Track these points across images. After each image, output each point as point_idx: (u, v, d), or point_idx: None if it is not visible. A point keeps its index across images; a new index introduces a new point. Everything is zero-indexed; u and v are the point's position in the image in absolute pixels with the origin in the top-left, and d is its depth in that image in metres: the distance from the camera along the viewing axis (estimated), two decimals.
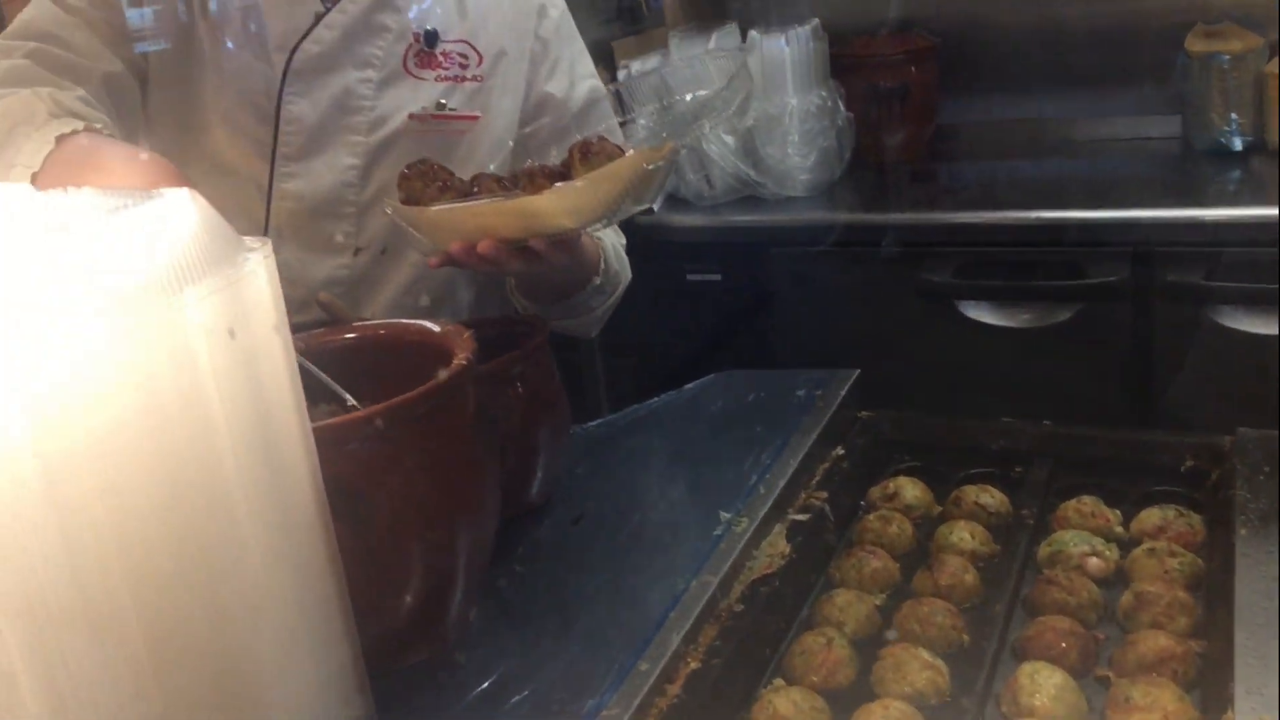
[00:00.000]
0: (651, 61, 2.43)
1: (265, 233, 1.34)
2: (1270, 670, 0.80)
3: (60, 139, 1.05)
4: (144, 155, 1.04)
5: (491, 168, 1.29)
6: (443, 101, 1.32)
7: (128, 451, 0.60)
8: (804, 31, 2.39)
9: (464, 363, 0.92)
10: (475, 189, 1.13)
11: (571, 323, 1.38)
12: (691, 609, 0.95)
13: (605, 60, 2.41)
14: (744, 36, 2.46)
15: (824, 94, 2.42)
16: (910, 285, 2.23)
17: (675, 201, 2.51)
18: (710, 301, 2.43)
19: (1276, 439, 1.13)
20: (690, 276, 2.46)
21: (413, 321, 1.04)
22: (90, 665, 0.62)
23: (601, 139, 1.12)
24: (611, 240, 1.38)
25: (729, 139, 2.39)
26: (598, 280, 1.33)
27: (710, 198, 2.46)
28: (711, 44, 2.40)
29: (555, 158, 1.17)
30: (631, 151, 1.10)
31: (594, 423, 1.35)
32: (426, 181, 1.13)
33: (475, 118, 1.33)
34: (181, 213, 0.66)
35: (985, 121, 2.69)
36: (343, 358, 1.03)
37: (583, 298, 1.33)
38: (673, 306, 2.44)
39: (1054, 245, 2.14)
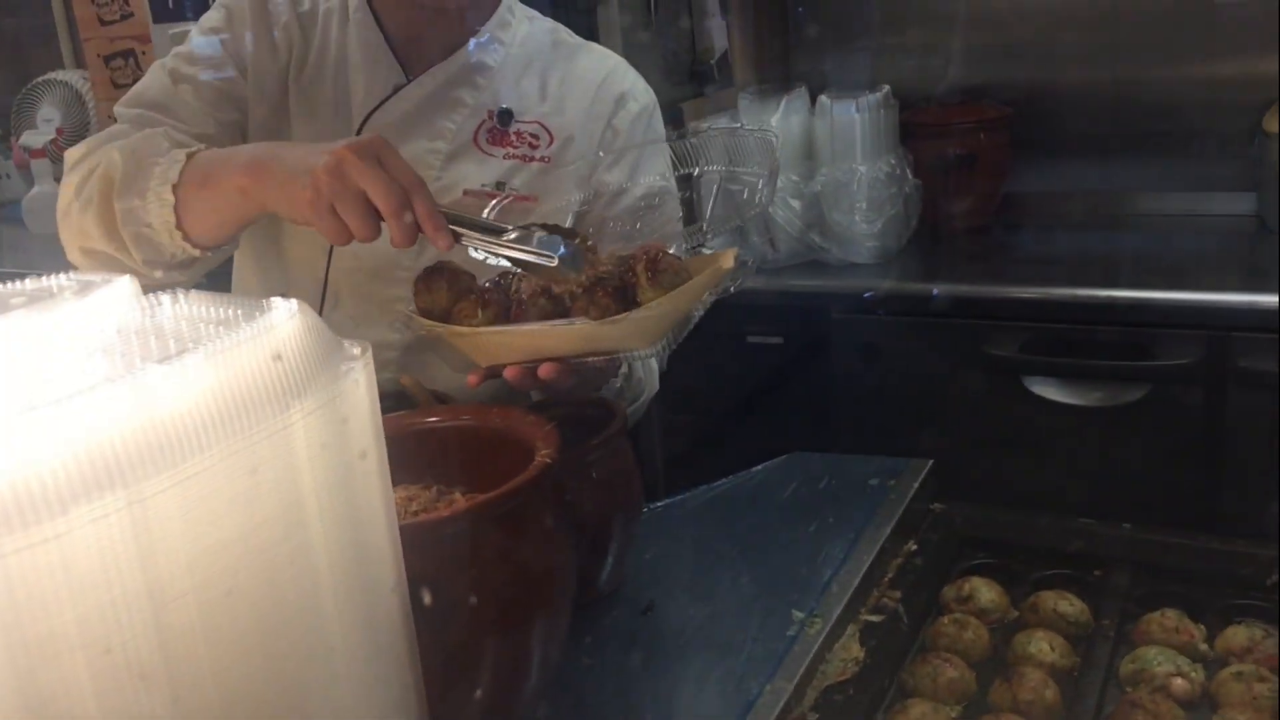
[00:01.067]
0: (720, 122, 2.44)
1: (324, 291, 1.36)
2: None
3: (190, 154, 1.13)
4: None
5: None
6: (502, 181, 1.33)
7: (230, 574, 0.60)
8: (874, 98, 2.39)
9: (547, 460, 0.92)
10: (517, 301, 1.07)
11: None
12: (766, 717, 0.94)
13: (675, 120, 2.42)
14: (813, 100, 2.46)
15: (893, 161, 2.42)
16: (975, 358, 2.21)
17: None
18: (770, 364, 2.43)
19: None
20: (750, 339, 2.46)
21: (495, 408, 1.04)
22: None
23: (664, 253, 1.05)
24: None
25: (795, 203, 2.39)
26: (617, 383, 1.32)
27: (774, 261, 2.46)
28: (781, 108, 2.40)
29: (597, 248, 1.11)
30: (703, 270, 1.06)
31: (660, 504, 1.34)
32: (456, 294, 1.07)
33: (532, 199, 1.33)
34: (289, 324, 0.67)
35: (1054, 192, 2.67)
36: (424, 442, 1.03)
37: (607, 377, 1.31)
38: (732, 367, 2.43)
39: (1123, 325, 2.11)
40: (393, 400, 1.16)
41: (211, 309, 0.68)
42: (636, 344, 1.04)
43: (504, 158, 1.33)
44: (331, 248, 1.31)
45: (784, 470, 1.39)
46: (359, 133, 1.29)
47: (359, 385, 0.72)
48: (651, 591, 1.17)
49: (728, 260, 1.08)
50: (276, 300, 0.69)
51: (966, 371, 2.23)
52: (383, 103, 1.31)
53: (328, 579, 0.69)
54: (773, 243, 2.45)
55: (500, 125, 1.34)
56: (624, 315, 1.02)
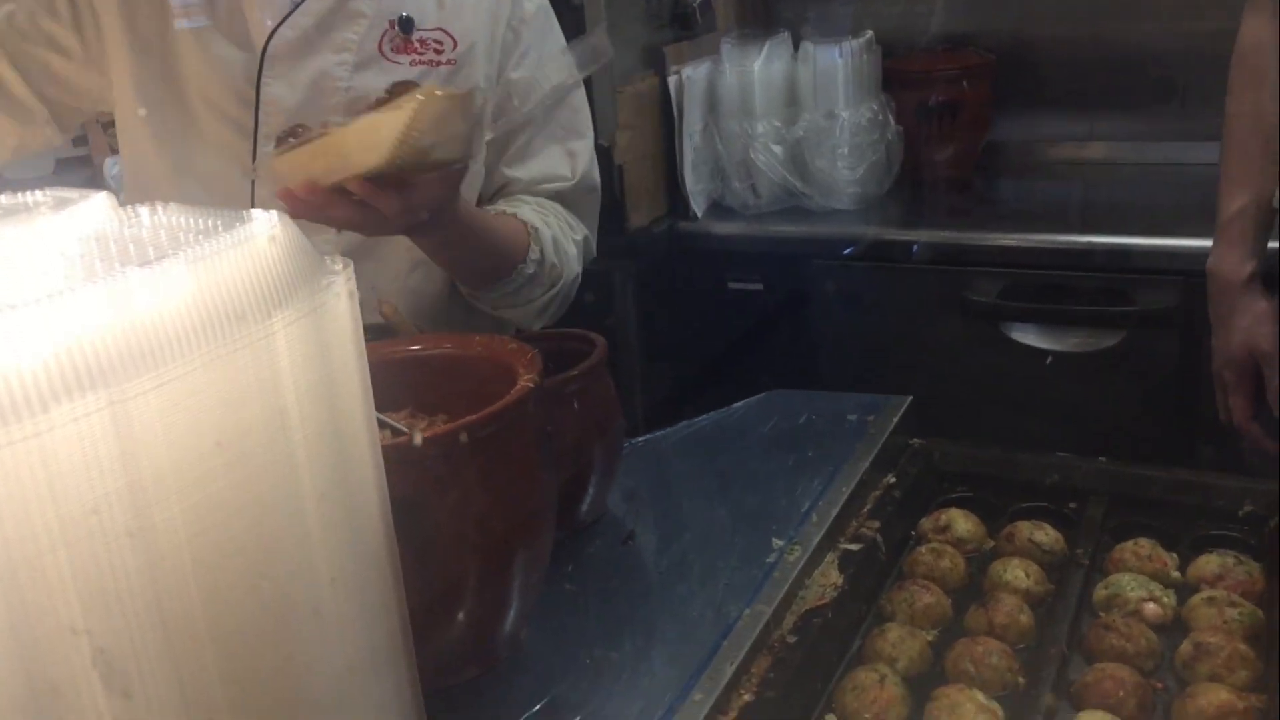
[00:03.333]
0: (703, 68, 2.42)
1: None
2: None
3: None
4: None
5: None
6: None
7: (213, 478, 0.60)
8: (857, 44, 2.38)
9: (530, 384, 0.92)
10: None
11: (512, 312, 1.40)
12: (745, 639, 0.95)
13: (656, 65, 2.40)
14: (796, 45, 2.45)
15: (875, 107, 2.41)
16: (954, 304, 2.22)
17: (719, 209, 2.51)
18: (751, 310, 2.43)
19: None
20: (732, 285, 2.46)
21: (478, 336, 1.04)
22: (165, 686, 0.62)
23: (411, 82, 1.12)
24: (553, 234, 1.39)
25: (777, 149, 2.38)
26: (529, 269, 1.34)
27: (755, 207, 2.45)
28: (764, 52, 2.39)
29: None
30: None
31: (642, 438, 1.34)
32: (293, 136, 1.12)
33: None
34: (271, 235, 0.66)
35: (1035, 140, 2.67)
36: (406, 370, 1.03)
37: (515, 285, 1.34)
38: (713, 314, 2.44)
39: (1101, 270, 2.12)
40: (374, 332, 1.16)
41: (191, 219, 0.68)
42: (370, 158, 1.03)
43: (410, 64, 1.34)
44: (254, 168, 1.31)
45: (764, 407, 1.39)
46: (264, 53, 1.28)
47: (340, 299, 0.72)
48: (632, 522, 1.18)
49: (452, 91, 1.07)
50: (257, 211, 0.68)
51: (946, 317, 2.24)
52: (283, 21, 1.29)
53: (311, 492, 0.69)
54: (754, 188, 2.44)
55: (403, 33, 1.34)
56: (351, 120, 1.06)
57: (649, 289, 2.46)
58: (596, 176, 1.51)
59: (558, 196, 1.46)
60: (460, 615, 0.92)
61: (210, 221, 0.67)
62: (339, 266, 0.73)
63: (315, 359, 0.69)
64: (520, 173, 1.44)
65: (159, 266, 0.59)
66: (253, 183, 1.33)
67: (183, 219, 0.68)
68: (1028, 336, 2.18)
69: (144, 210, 0.69)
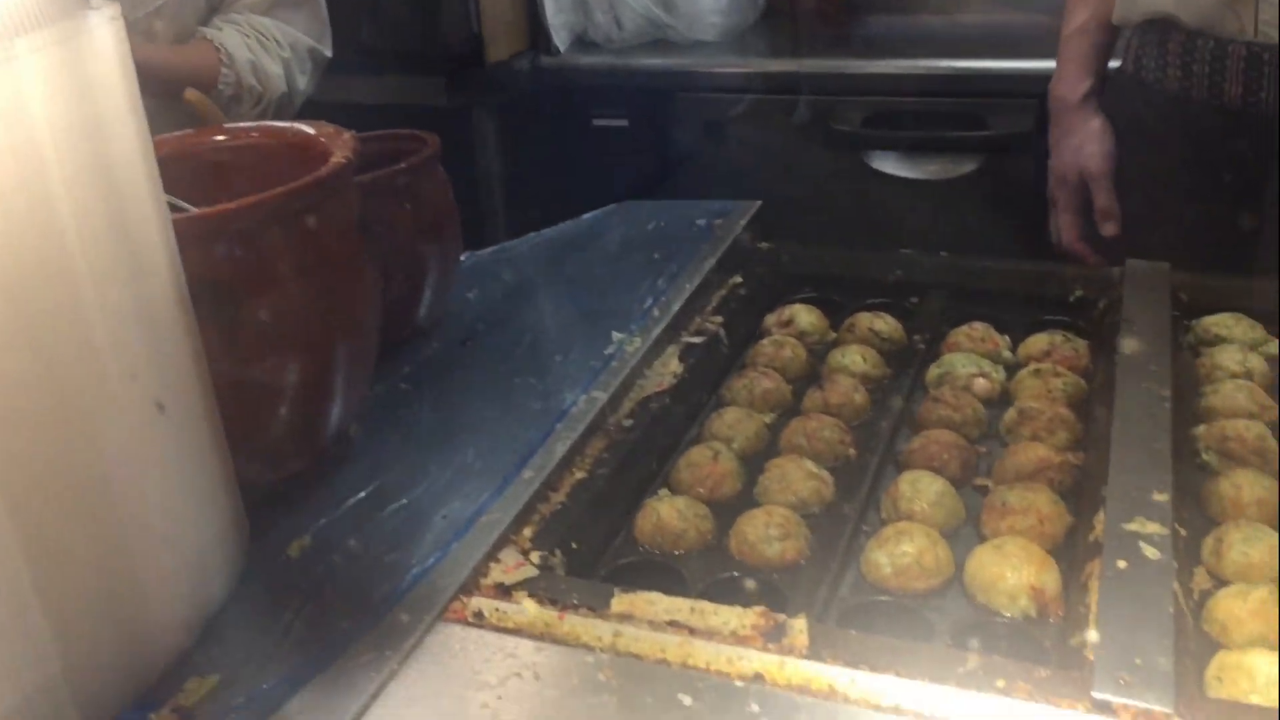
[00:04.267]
0: None
1: None
2: (1141, 476, 0.82)
3: None
4: None
5: None
6: None
7: None
8: None
9: (342, 161, 0.87)
10: None
11: None
12: (579, 423, 0.94)
13: None
14: None
15: None
16: (818, 135, 2.21)
17: (583, 43, 2.43)
18: (616, 146, 2.38)
19: (1166, 270, 1.15)
20: (596, 121, 2.40)
21: (289, 124, 0.98)
22: None
23: None
24: (252, 57, 1.44)
25: None
26: (226, 92, 1.41)
27: (619, 40, 2.38)
28: None
29: None
30: None
31: (489, 249, 1.31)
32: None
33: None
34: None
35: None
36: (213, 162, 0.97)
37: (219, 105, 1.35)
38: (577, 150, 2.38)
39: (959, 96, 2.13)
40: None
41: None
42: None
43: None
44: None
45: (613, 216, 1.37)
46: None
47: (106, 40, 0.66)
48: (473, 326, 1.15)
49: None
50: None
51: (810, 149, 2.23)
52: None
53: (79, 250, 0.63)
54: (618, 20, 2.37)
55: None
56: None
57: (510, 127, 2.39)
58: None
59: (271, 11, 1.49)
60: (280, 409, 0.88)
61: None
62: (103, 4, 0.66)
63: (75, 101, 0.63)
64: None
65: None
66: None
67: None
68: (889, 165, 2.19)
69: None
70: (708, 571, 0.85)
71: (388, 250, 1.05)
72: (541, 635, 0.73)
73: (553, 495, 0.87)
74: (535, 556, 0.80)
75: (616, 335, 1.07)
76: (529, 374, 1.03)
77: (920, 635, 0.78)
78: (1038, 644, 0.76)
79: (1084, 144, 1.49)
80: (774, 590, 0.82)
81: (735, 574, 0.84)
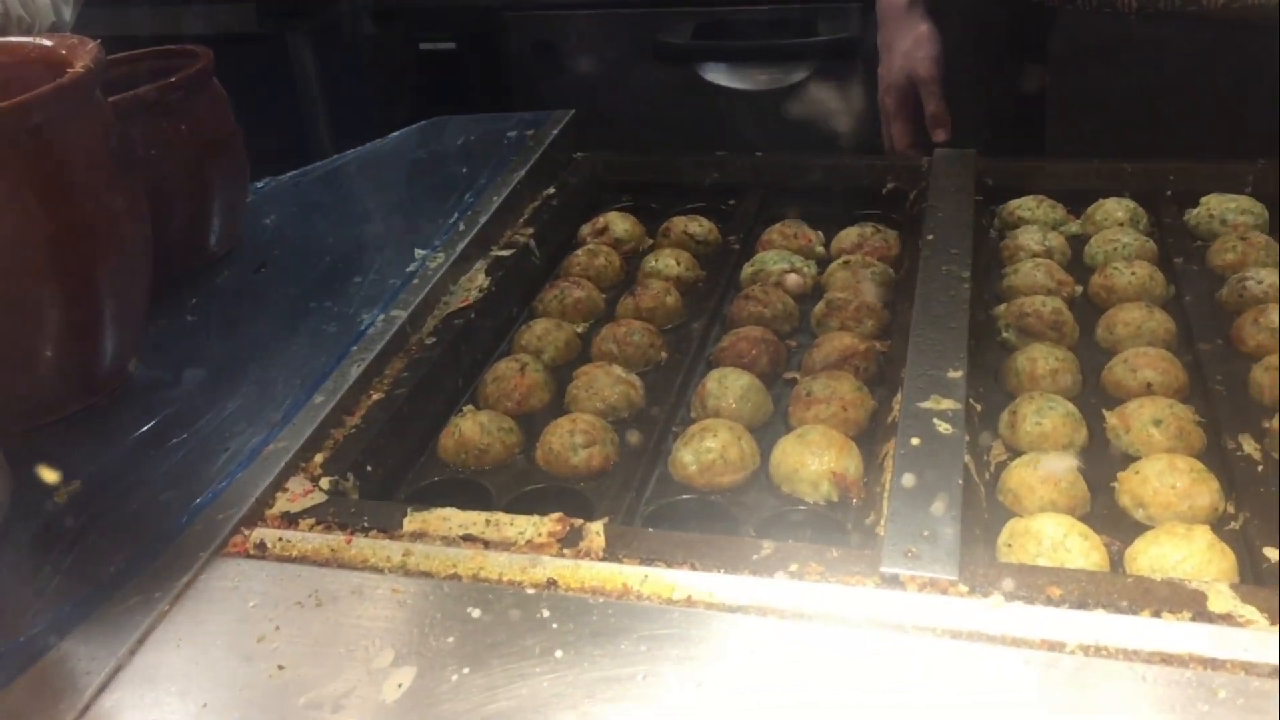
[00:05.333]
0: None
1: None
2: (938, 356, 0.82)
3: None
4: None
5: None
6: None
7: None
8: None
9: (81, 72, 0.79)
10: None
11: None
12: (376, 343, 0.90)
13: None
14: None
15: None
16: (647, 47, 2.17)
17: None
18: (444, 73, 2.30)
19: (972, 156, 1.15)
20: (423, 46, 2.31)
21: (27, 39, 0.89)
22: None
23: None
24: None
25: None
26: None
27: None
28: None
29: None
30: None
31: (288, 175, 1.24)
32: None
33: None
34: None
35: None
36: None
37: None
38: (402, 76, 2.29)
39: (786, 2, 2.11)
40: None
41: None
42: None
43: None
44: None
45: (421, 134, 1.31)
46: None
47: None
48: (268, 252, 1.09)
49: None
50: None
51: (641, 62, 2.18)
52: None
53: None
54: None
55: None
56: None
57: (329, 54, 2.28)
58: None
59: None
60: (37, 346, 0.82)
61: None
62: None
63: None
64: None
65: None
66: None
67: None
68: (720, 76, 2.16)
69: None
70: (515, 485, 0.83)
71: (163, 174, 0.98)
72: (327, 561, 0.69)
73: (347, 419, 0.83)
74: (325, 483, 0.76)
75: (419, 252, 1.02)
76: (325, 297, 0.98)
77: (726, 529, 0.77)
78: (840, 527, 0.76)
79: (913, 49, 1.48)
80: (581, 498, 0.80)
81: (541, 485, 0.82)
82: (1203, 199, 1.07)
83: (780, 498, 0.79)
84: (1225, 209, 1.05)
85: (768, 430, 0.86)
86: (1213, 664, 0.56)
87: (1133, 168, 1.13)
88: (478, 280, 1.02)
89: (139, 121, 0.96)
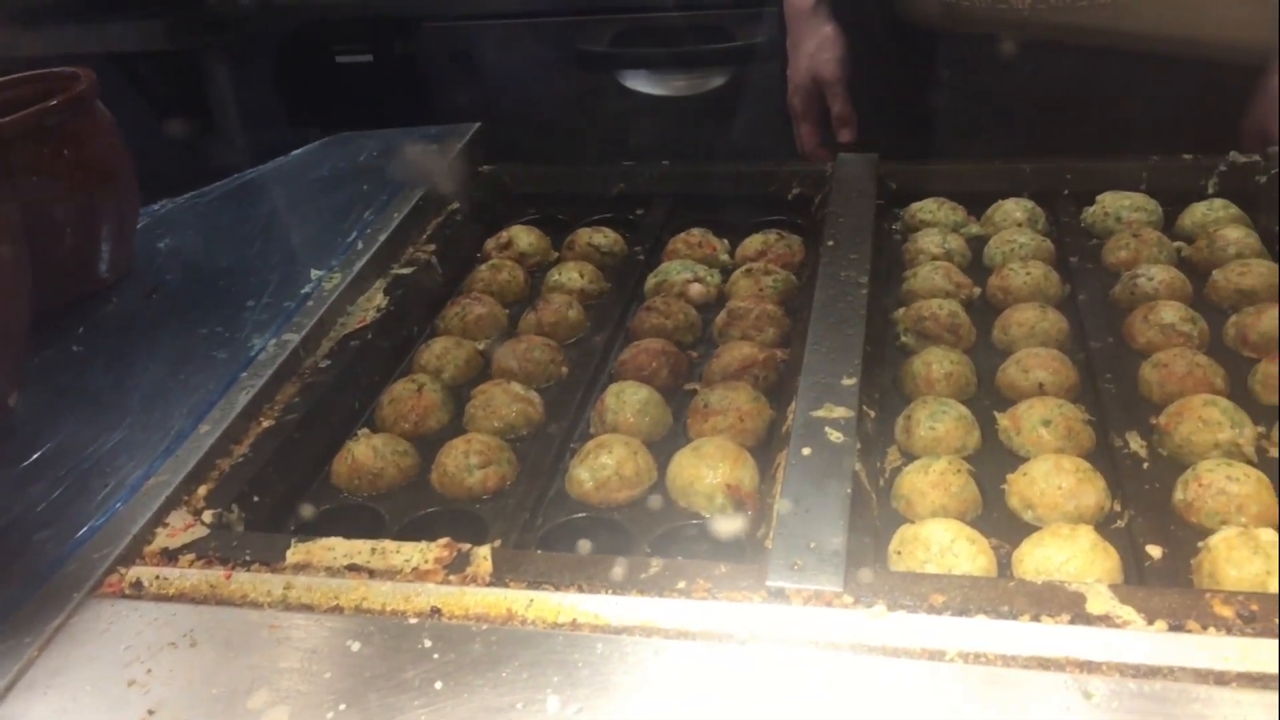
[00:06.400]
0: None
1: None
2: (833, 363, 0.81)
3: None
4: None
5: None
6: None
7: None
8: None
9: None
10: None
11: None
12: (267, 368, 0.88)
13: None
14: None
15: None
16: (569, 55, 2.16)
17: None
18: (361, 86, 2.27)
19: (875, 160, 1.15)
20: (340, 59, 2.28)
21: None
22: None
23: None
24: None
25: None
26: None
27: None
28: None
29: None
30: None
31: (186, 196, 1.21)
32: None
33: None
34: None
35: None
36: None
37: None
38: (321, 92, 2.26)
39: (704, 9, 2.11)
40: None
41: None
42: None
43: None
44: None
45: (324, 150, 1.29)
46: None
47: None
48: (160, 277, 1.06)
49: None
50: None
51: (562, 71, 2.17)
52: None
53: None
54: None
55: None
56: None
57: (245, 71, 2.25)
58: None
59: None
60: None
61: None
62: None
63: None
64: None
65: None
66: None
67: None
68: (640, 83, 2.16)
69: None
70: (410, 509, 0.81)
71: (44, 200, 0.95)
72: (205, 599, 0.67)
73: (235, 448, 0.81)
74: (208, 516, 0.74)
75: (315, 273, 1.00)
76: (217, 323, 0.96)
77: (623, 546, 0.76)
78: (736, 540, 0.75)
79: (818, 51, 1.48)
80: (477, 520, 0.79)
81: (435, 509, 0.81)
82: (1099, 197, 1.09)
83: (677, 512, 0.78)
84: (1120, 206, 1.06)
85: (669, 443, 0.85)
86: (1088, 666, 0.57)
87: (1031, 168, 1.14)
88: (376, 300, 1.00)
89: (17, 147, 0.93)
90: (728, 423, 0.83)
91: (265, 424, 0.84)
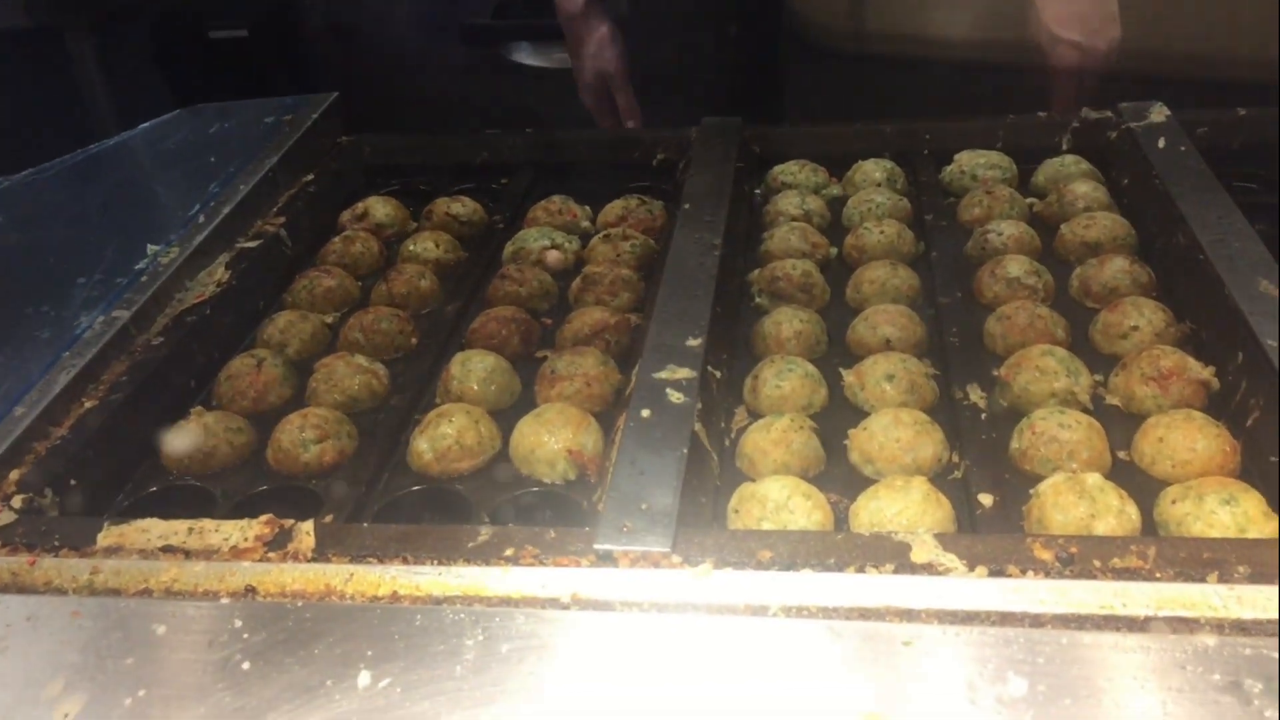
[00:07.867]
0: None
1: None
2: (680, 325, 0.80)
3: None
4: None
5: None
6: None
7: None
8: None
9: None
10: None
11: None
12: (92, 346, 0.83)
13: None
14: None
15: None
16: (451, 29, 2.11)
17: None
18: (236, 61, 2.20)
19: (738, 124, 1.14)
20: (214, 34, 2.21)
21: None
22: None
23: None
24: None
25: None
26: None
27: None
28: None
29: None
30: None
31: (22, 174, 1.15)
32: None
33: None
34: None
35: None
36: None
37: None
38: (191, 69, 2.18)
39: None
40: None
41: None
42: None
43: None
44: None
45: (173, 124, 1.24)
46: None
47: None
48: None
49: None
50: None
51: (440, 43, 2.13)
52: None
53: None
54: None
55: None
56: None
57: (112, 49, 2.16)
58: None
59: None
60: None
61: None
62: None
63: None
64: None
65: None
66: None
67: None
68: (523, 55, 2.12)
69: None
70: (245, 488, 0.78)
71: None
72: (6, 587, 0.63)
73: (54, 430, 0.77)
74: (18, 501, 0.70)
75: (152, 248, 0.96)
76: (43, 302, 0.91)
77: (463, 517, 0.74)
78: (577, 505, 0.74)
79: (598, 50, 1.46)
80: (312, 496, 0.76)
81: (268, 487, 0.77)
82: (956, 156, 1.09)
83: (520, 480, 0.76)
84: (976, 164, 1.07)
85: (519, 412, 0.83)
86: (908, 614, 0.56)
87: (891, 128, 1.14)
88: (217, 274, 0.96)
89: None
90: (574, 388, 0.81)
91: (88, 404, 0.80)
